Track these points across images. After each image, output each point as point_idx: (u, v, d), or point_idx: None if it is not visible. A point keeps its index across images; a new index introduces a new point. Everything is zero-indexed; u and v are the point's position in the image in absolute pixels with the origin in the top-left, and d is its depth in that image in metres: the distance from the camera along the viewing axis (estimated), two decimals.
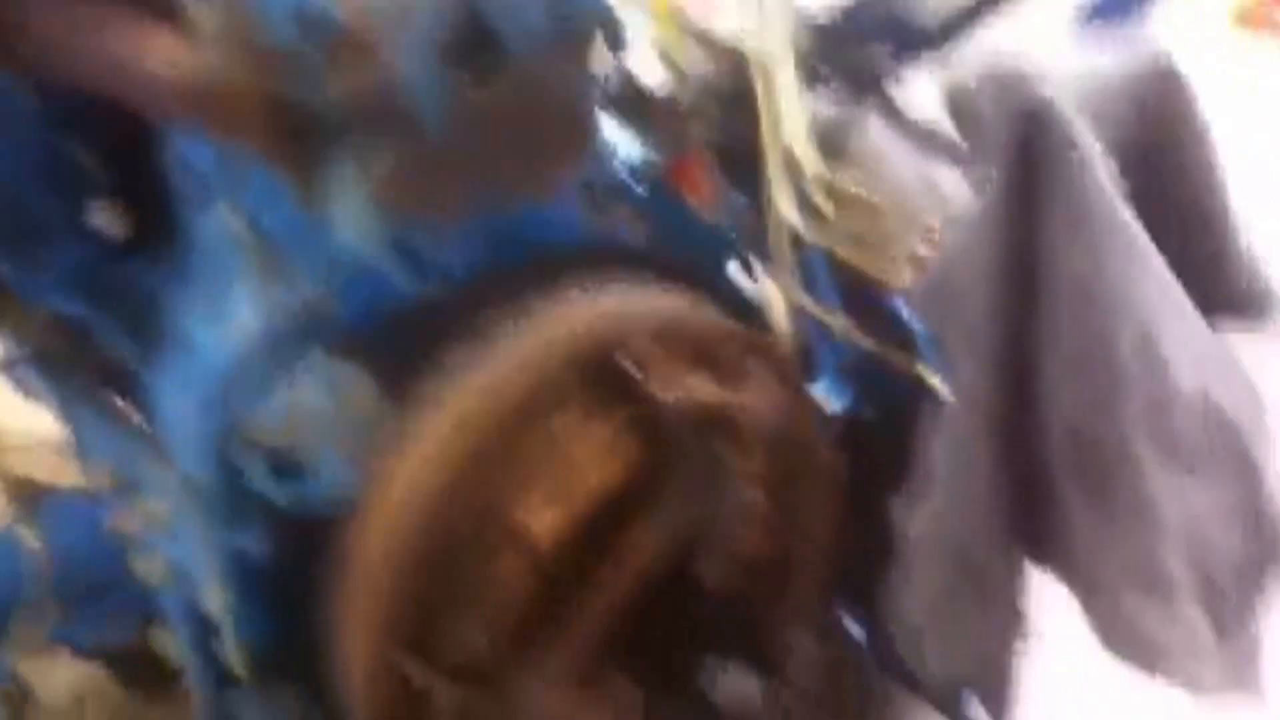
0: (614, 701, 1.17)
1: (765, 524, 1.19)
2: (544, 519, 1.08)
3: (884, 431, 1.26)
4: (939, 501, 1.06)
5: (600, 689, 1.16)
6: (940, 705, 1.36)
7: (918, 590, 1.10)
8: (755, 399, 1.18)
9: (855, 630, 1.46)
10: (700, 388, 1.14)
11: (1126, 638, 1.01)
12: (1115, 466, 0.99)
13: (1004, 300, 1.00)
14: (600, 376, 1.11)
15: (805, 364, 1.36)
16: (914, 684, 1.39)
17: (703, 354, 1.17)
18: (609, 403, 1.11)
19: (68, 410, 1.25)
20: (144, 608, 1.27)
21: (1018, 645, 1.09)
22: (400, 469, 1.08)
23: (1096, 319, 0.97)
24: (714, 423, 1.14)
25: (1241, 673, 1.02)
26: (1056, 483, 1.02)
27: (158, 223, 1.16)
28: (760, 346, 1.24)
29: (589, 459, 1.11)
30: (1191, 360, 1.00)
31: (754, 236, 1.34)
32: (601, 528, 1.12)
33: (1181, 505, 1.00)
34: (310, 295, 1.10)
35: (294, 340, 1.10)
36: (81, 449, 1.26)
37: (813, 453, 1.26)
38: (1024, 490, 1.04)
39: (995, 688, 1.10)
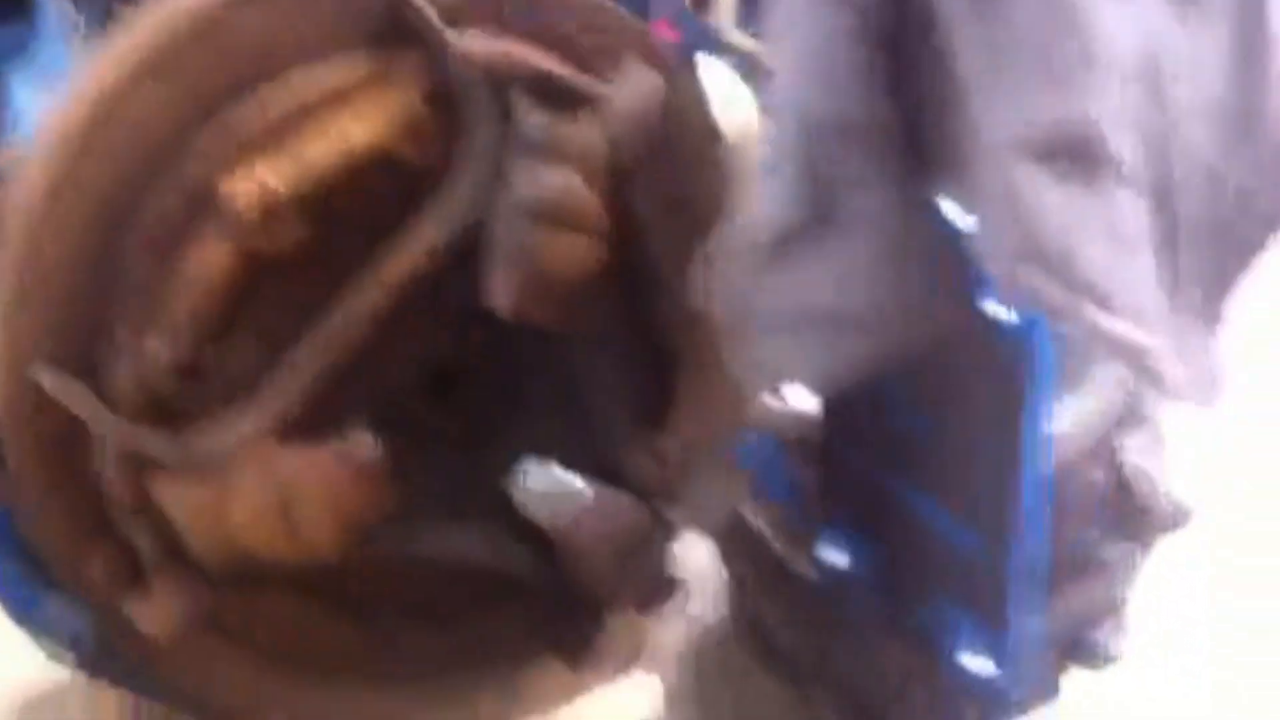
0: (348, 461, 0.94)
1: (595, 230, 0.96)
2: (263, 191, 0.90)
3: None
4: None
5: (334, 442, 0.94)
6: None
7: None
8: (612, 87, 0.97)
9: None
10: (524, 54, 0.96)
11: (1022, 243, 0.77)
12: None
13: None
14: (389, 24, 0.94)
15: None
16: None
17: (549, 29, 0.98)
18: (394, 58, 0.94)
19: None
20: None
21: None
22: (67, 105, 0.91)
23: None
24: (542, 93, 0.94)
25: (1194, 354, 0.81)
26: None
27: None
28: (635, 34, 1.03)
29: (353, 124, 0.93)
30: None
31: None
32: (355, 217, 0.95)
33: (1135, 37, 0.73)
34: None
35: None
36: None
37: (694, 162, 1.05)
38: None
39: None
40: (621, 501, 1.03)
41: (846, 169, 0.85)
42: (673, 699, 1.92)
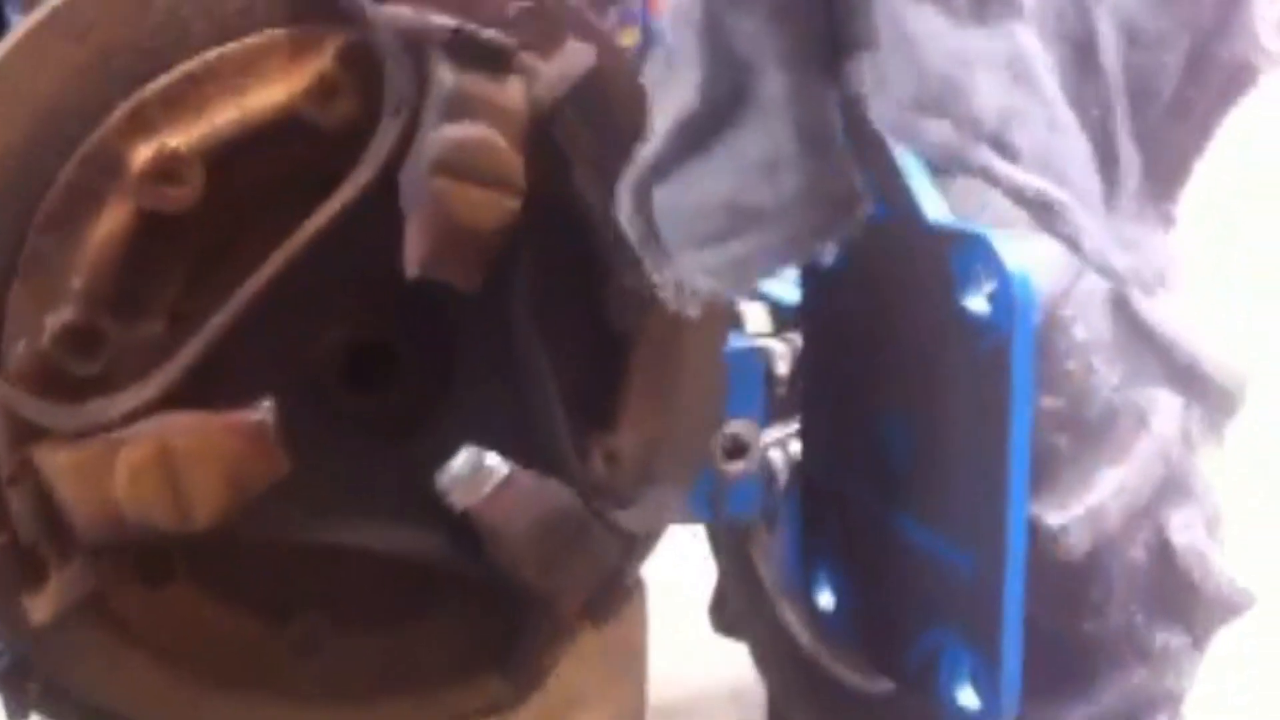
0: (238, 426, 0.90)
1: (509, 185, 0.92)
2: (161, 150, 0.90)
3: None
4: None
5: (228, 406, 0.91)
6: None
7: None
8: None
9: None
10: (444, 19, 0.94)
11: (918, 86, 0.75)
12: None
13: None
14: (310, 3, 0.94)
15: None
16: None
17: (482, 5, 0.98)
18: (314, 32, 0.95)
19: None
20: None
21: None
22: None
23: None
24: (466, 57, 0.92)
25: (1135, 242, 0.80)
26: None
27: None
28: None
29: (260, 89, 0.93)
30: None
31: None
32: (266, 182, 0.94)
33: None
34: None
35: None
36: None
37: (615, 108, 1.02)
38: None
39: None
40: (547, 485, 0.98)
41: (754, 46, 0.82)
42: None
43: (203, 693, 1.03)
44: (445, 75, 0.92)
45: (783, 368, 1.47)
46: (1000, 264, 1.04)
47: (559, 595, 1.00)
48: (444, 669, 1.09)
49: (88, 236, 0.91)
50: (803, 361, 1.38)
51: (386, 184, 0.92)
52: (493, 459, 0.96)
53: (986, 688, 1.13)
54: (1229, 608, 1.31)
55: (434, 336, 1.05)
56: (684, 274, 0.90)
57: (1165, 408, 1.27)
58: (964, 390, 1.10)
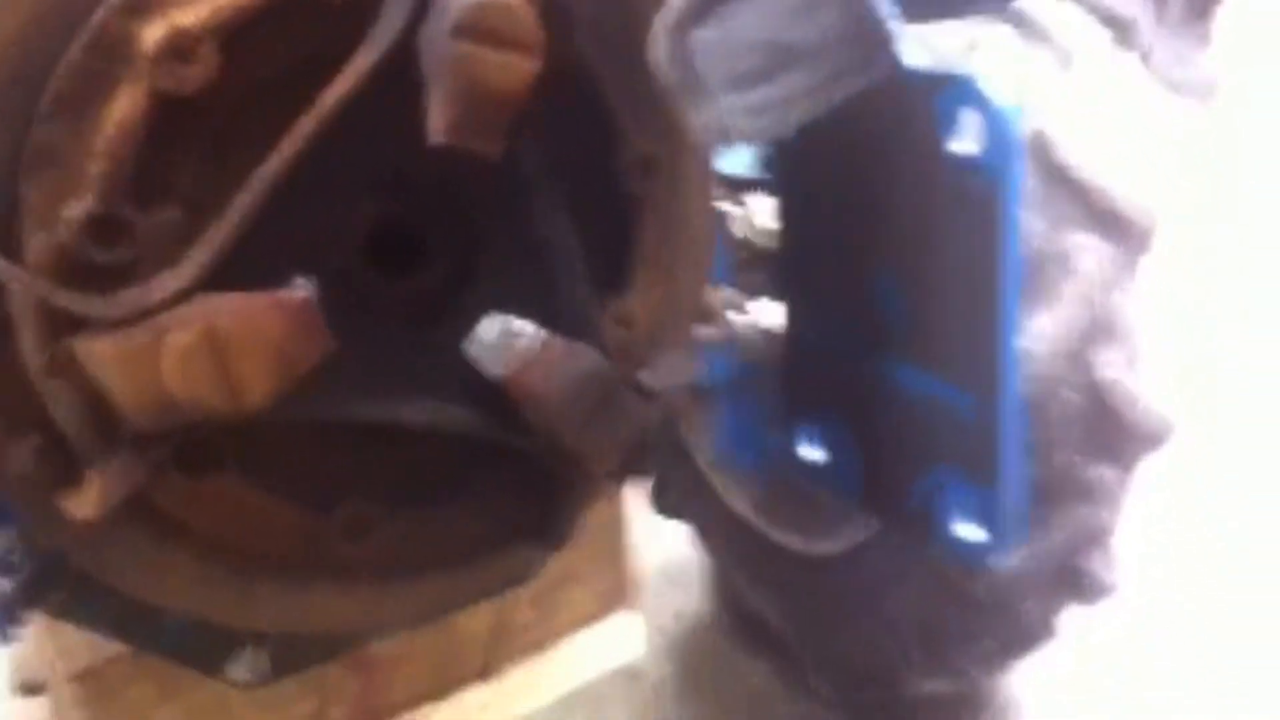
0: (282, 305, 0.88)
1: (530, 46, 0.90)
2: (173, 29, 0.87)
3: None
4: None
5: (263, 287, 0.88)
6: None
7: None
8: None
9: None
10: None
11: None
12: None
13: None
14: None
15: None
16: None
17: None
18: None
19: None
20: None
21: None
22: None
23: None
24: None
25: (1185, 60, 0.91)
26: None
27: None
28: None
29: None
30: None
31: None
32: (278, 58, 0.92)
33: None
34: None
35: None
36: None
37: None
38: None
39: None
40: (578, 348, 0.98)
41: None
42: (660, 693, 1.88)
43: (249, 580, 1.03)
44: None
45: (738, 232, 1.50)
46: (988, 102, 1.08)
47: (595, 455, 1.01)
48: (482, 540, 1.11)
49: (101, 122, 0.88)
50: (781, 227, 1.41)
51: (402, 56, 0.91)
52: (521, 324, 0.96)
53: (988, 520, 1.19)
54: (1153, 438, 1.38)
55: (454, 216, 1.04)
56: (725, 115, 0.91)
57: (1088, 251, 1.33)
58: (954, 234, 1.14)
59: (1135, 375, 1.37)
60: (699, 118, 0.92)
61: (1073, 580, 1.45)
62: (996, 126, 1.09)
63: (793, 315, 1.40)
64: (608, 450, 1.01)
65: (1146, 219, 1.34)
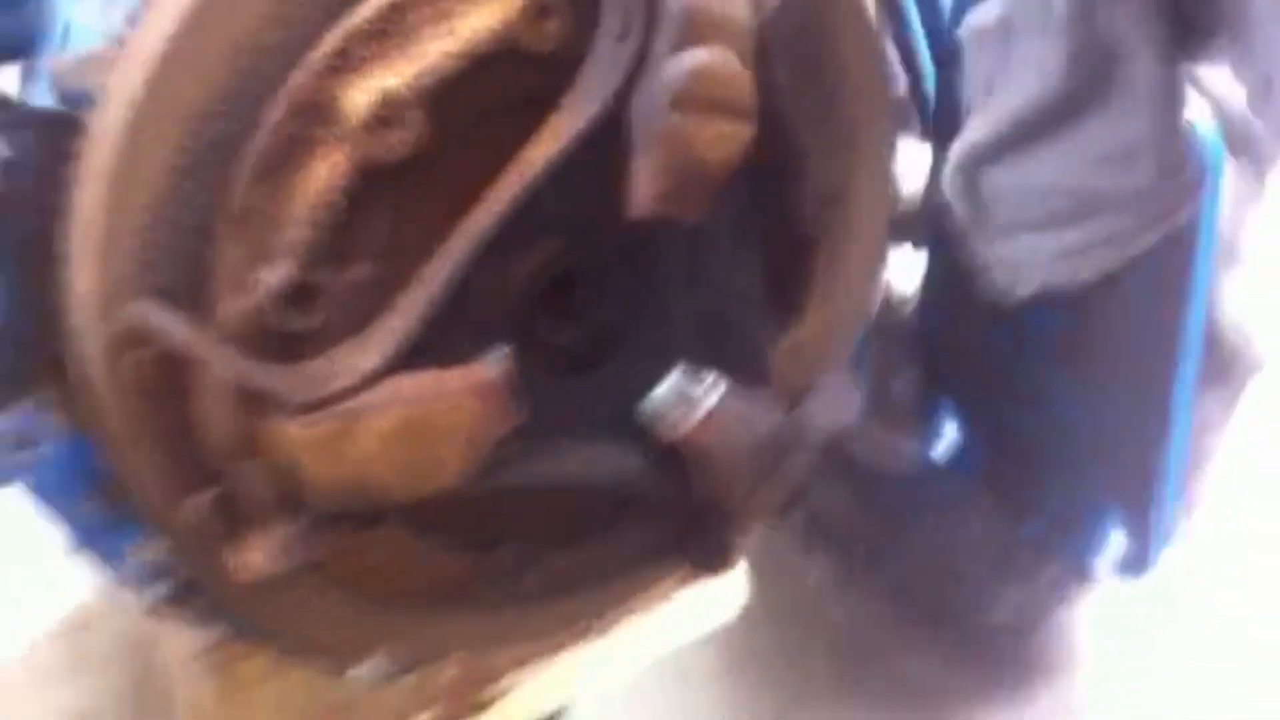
0: (478, 382, 0.84)
1: (746, 113, 0.85)
2: (384, 94, 0.82)
3: None
4: None
5: (456, 364, 0.84)
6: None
7: None
8: None
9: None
10: None
11: None
12: None
13: None
14: None
15: None
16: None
17: None
18: None
19: None
20: None
21: None
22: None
23: None
24: None
25: None
26: None
27: None
28: None
29: (472, 14, 0.84)
30: None
31: None
32: (479, 118, 0.87)
33: None
34: None
35: None
36: None
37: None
38: None
39: None
40: (754, 409, 0.94)
41: (1127, 34, 0.81)
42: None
43: (392, 611, 1.02)
44: None
45: None
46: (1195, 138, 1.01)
47: (757, 513, 0.98)
48: (631, 563, 1.09)
49: (299, 187, 0.83)
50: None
51: (612, 115, 0.84)
52: (698, 385, 0.92)
53: (1137, 536, 1.18)
54: (1256, 365, 1.34)
55: (628, 259, 0.98)
56: (1020, 256, 0.91)
57: None
58: (1141, 265, 1.08)
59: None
60: (988, 253, 0.92)
61: None
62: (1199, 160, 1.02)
63: (953, 302, 1.35)
64: (770, 508, 0.98)
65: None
